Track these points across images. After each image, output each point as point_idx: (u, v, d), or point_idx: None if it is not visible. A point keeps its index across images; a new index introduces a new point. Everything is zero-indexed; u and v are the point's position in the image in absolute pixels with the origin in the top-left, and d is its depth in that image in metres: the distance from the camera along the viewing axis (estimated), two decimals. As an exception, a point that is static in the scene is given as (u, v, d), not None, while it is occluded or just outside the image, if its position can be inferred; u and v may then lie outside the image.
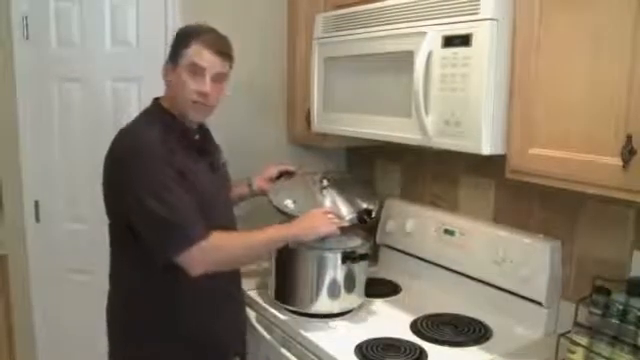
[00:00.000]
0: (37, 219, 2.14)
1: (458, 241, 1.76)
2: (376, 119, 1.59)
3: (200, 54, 1.39)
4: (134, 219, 1.35)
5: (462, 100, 1.32)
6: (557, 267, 1.53)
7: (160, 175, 1.33)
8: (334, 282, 1.60)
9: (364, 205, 1.67)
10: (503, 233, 1.65)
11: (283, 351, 1.57)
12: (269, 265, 1.72)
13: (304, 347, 1.53)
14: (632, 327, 1.21)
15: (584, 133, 1.14)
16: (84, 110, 2.06)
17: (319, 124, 1.85)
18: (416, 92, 1.39)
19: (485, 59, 1.27)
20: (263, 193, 1.80)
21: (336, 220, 1.53)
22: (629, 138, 1.05)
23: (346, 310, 1.65)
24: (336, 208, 1.64)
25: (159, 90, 1.51)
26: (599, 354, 1.24)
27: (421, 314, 1.64)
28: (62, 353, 2.18)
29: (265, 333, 1.67)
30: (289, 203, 1.67)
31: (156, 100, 1.50)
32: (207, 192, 1.45)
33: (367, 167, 2.27)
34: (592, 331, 1.26)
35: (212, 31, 1.45)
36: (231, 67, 1.48)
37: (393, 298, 1.81)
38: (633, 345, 1.20)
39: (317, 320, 1.61)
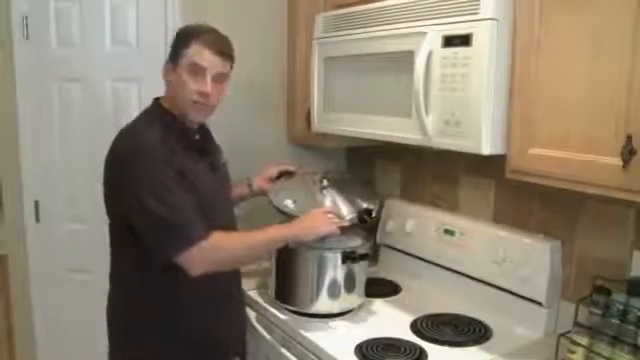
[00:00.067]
0: (37, 219, 2.14)
1: (458, 241, 1.76)
2: (376, 119, 1.59)
3: (201, 54, 1.39)
4: (134, 219, 1.35)
5: (462, 100, 1.32)
6: (557, 267, 1.53)
7: (160, 175, 1.33)
8: (334, 282, 1.60)
9: (364, 205, 1.67)
10: (503, 233, 1.65)
11: (283, 351, 1.57)
12: (269, 265, 1.72)
13: (304, 347, 1.53)
14: (632, 327, 1.21)
15: (584, 133, 1.14)
16: (84, 110, 2.06)
17: (319, 124, 1.85)
18: (416, 92, 1.39)
19: (485, 59, 1.27)
20: (263, 193, 1.80)
21: (336, 220, 1.53)
22: (629, 138, 1.05)
23: (346, 310, 1.65)
24: (336, 208, 1.64)
25: (159, 90, 1.51)
26: (599, 354, 1.24)
27: (421, 314, 1.64)
28: (62, 353, 2.18)
29: (265, 333, 1.67)
30: (289, 203, 1.67)
31: (156, 100, 1.50)
32: (207, 192, 1.45)
33: (367, 167, 2.27)
34: (592, 331, 1.26)
35: (213, 31, 1.45)
36: (232, 67, 1.48)
37: (393, 298, 1.81)
38: (633, 345, 1.20)
39: (317, 320, 1.61)
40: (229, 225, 1.55)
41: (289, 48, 2.15)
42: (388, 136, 1.56)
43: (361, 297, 1.68)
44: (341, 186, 1.76)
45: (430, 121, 1.40)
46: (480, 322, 1.59)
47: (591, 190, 1.15)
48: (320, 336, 1.52)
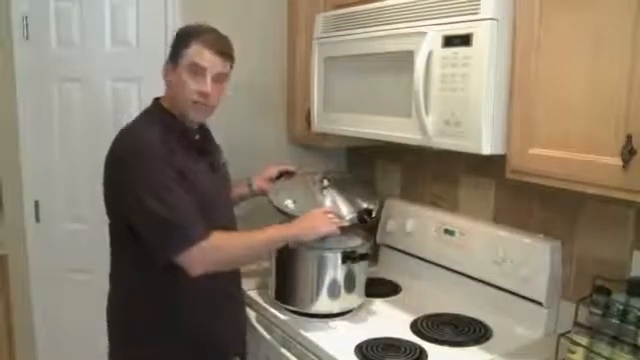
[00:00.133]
0: (37, 219, 2.14)
1: (458, 241, 1.76)
2: (376, 119, 1.59)
3: (201, 54, 1.39)
4: (134, 219, 1.35)
5: (462, 100, 1.32)
6: (557, 267, 1.53)
7: (160, 175, 1.33)
8: (334, 282, 1.60)
9: (364, 205, 1.67)
10: (503, 233, 1.65)
11: (283, 351, 1.57)
12: (269, 265, 1.72)
13: (304, 347, 1.53)
14: (632, 327, 1.21)
15: (584, 133, 1.14)
16: (84, 110, 2.06)
17: (319, 124, 1.85)
18: (416, 92, 1.39)
19: (485, 59, 1.27)
20: (263, 193, 1.80)
21: (336, 220, 1.53)
22: (629, 138, 1.05)
23: (346, 310, 1.65)
24: (336, 208, 1.64)
25: (159, 90, 1.51)
26: (599, 354, 1.24)
27: (421, 314, 1.64)
28: (62, 353, 2.18)
29: (265, 333, 1.67)
30: (289, 203, 1.67)
31: (156, 100, 1.50)
32: (207, 192, 1.45)
33: (367, 167, 2.27)
34: (592, 331, 1.26)
35: (213, 31, 1.45)
36: (232, 67, 1.48)
37: (393, 298, 1.81)
38: (633, 345, 1.19)
39: (317, 320, 1.61)
40: (229, 225, 1.55)
41: (289, 48, 2.15)
42: (388, 136, 1.56)
43: (361, 297, 1.68)
44: (341, 186, 1.76)
45: (430, 121, 1.40)
46: (480, 322, 1.59)
47: (591, 190, 1.15)
48: (320, 336, 1.52)
